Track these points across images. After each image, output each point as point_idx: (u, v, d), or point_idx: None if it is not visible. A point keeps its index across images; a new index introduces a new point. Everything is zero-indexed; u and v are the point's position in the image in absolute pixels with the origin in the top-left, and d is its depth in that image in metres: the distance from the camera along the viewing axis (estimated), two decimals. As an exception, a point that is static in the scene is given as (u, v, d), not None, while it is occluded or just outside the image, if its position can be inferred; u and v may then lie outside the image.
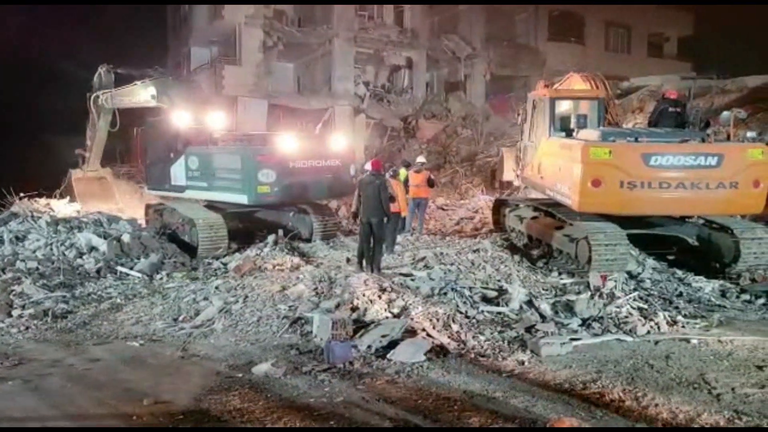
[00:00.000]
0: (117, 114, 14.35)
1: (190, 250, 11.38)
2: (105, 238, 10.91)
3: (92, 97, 14.37)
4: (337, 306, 7.36)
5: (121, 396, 5.20)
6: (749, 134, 9.38)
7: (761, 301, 8.02)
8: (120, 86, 13.95)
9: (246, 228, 13.00)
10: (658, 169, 8.59)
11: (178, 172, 12.64)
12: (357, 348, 6.18)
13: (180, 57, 28.62)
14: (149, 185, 13.86)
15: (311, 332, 6.75)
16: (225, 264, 10.44)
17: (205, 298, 8.28)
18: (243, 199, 11.52)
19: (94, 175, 16.01)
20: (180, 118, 12.44)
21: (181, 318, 7.71)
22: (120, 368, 5.96)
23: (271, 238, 11.80)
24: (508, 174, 12.96)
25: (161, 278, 9.80)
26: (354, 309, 7.16)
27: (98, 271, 9.88)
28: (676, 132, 9.64)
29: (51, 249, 10.49)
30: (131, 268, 10.07)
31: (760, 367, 5.58)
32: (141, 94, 13.23)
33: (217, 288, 8.76)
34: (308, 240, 12.18)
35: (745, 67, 17.23)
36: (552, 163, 9.98)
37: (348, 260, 10.04)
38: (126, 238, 10.97)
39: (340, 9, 24.23)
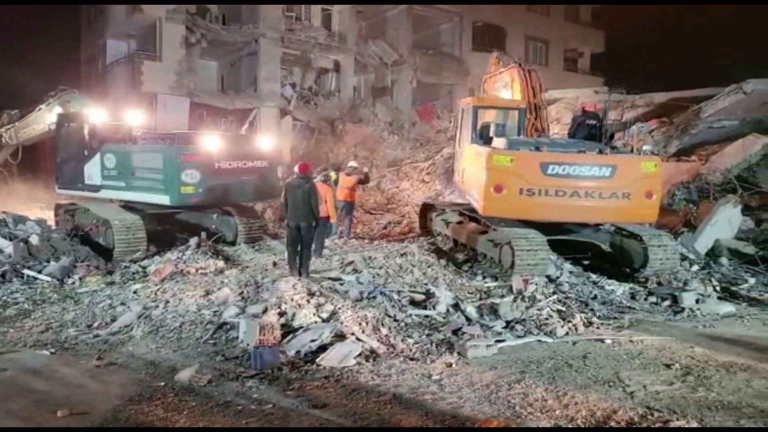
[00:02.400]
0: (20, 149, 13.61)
1: (105, 252, 10.86)
2: (11, 240, 10.21)
3: None
4: (265, 310, 7.21)
5: (32, 408, 4.86)
6: (645, 147, 10.01)
7: (666, 303, 8.54)
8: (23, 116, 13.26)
9: (166, 230, 12.54)
10: (554, 178, 9.03)
11: (92, 171, 12.01)
12: (285, 353, 6.09)
13: (95, 49, 27.20)
14: (60, 184, 13.09)
15: (237, 338, 6.58)
16: (144, 268, 10.04)
17: (123, 304, 7.93)
18: (165, 199, 11.10)
19: None
20: (95, 114, 11.84)
21: (96, 324, 7.32)
22: (29, 379, 5.56)
23: (193, 240, 11.45)
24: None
25: (73, 282, 9.30)
26: (282, 314, 7.04)
27: (3, 275, 9.23)
28: (576, 143, 10.12)
29: (-52, 251, 9.71)
30: (39, 272, 9.48)
31: (668, 366, 5.95)
32: (47, 116, 12.62)
33: (135, 293, 8.42)
34: (233, 243, 11.89)
35: (651, 84, 18.43)
36: (470, 169, 10.32)
37: (275, 264, 9.88)
38: (34, 239, 10.33)
39: (267, 9, 23.89)
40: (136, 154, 11.61)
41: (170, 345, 6.55)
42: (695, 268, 10.23)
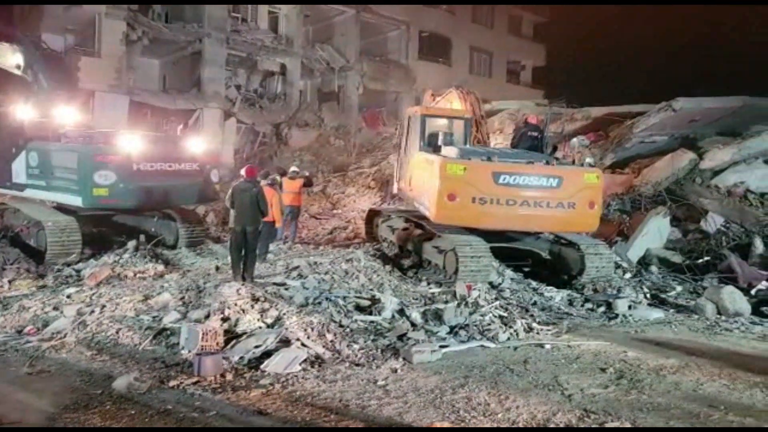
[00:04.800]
0: None
1: (36, 255, 10.36)
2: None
3: None
4: (207, 316, 7.08)
5: (-45, 419, 4.60)
6: (588, 159, 10.41)
7: (601, 309, 8.88)
8: None
9: (102, 232, 12.08)
10: (505, 187, 9.28)
11: (18, 169, 11.40)
12: (228, 359, 5.98)
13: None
14: None
15: (178, 344, 6.43)
16: (78, 271, 9.66)
17: (56, 308, 7.61)
18: (77, 201, 10.53)
19: None
20: (23, 110, 11.25)
21: (26, 330, 6.99)
22: (-47, 388, 5.27)
23: (131, 244, 11.13)
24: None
25: (1, 286, 8.84)
26: (225, 319, 6.92)
27: (-77, 278, 8.69)
28: (524, 154, 10.43)
29: None
30: (-35, 275, 8.97)
31: (603, 369, 6.20)
32: (8, 57, 11.75)
33: (69, 297, 8.10)
34: (173, 247, 11.59)
35: (588, 99, 19.15)
36: (419, 176, 10.43)
37: (218, 268, 9.70)
38: (-42, 240, 9.76)
39: (212, 8, 23.44)
40: (56, 153, 10.99)
41: (106, 351, 6.32)
42: (628, 275, 10.69)
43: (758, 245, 11.12)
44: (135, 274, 9.39)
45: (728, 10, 36.66)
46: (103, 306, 7.55)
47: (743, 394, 5.56)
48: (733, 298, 8.80)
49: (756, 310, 8.77)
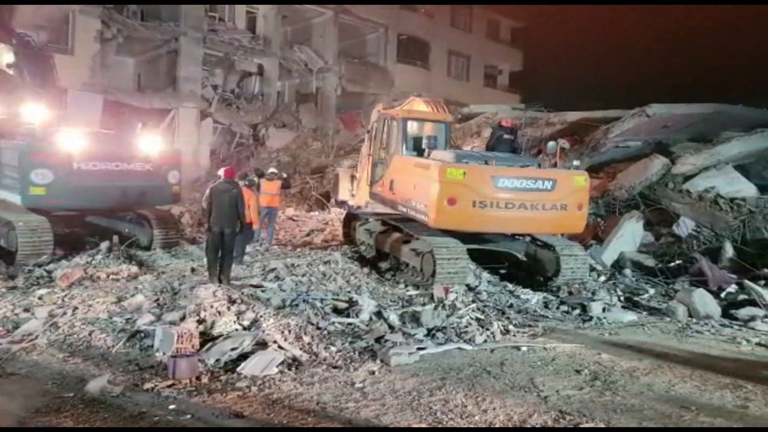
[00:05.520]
0: None
1: (6, 255, 10.13)
2: None
3: None
4: (182, 318, 7.00)
5: None
6: (575, 162, 10.54)
7: (576, 311, 8.98)
8: None
9: (75, 233, 11.86)
10: (504, 191, 9.33)
11: None
12: (204, 362, 5.92)
13: (-2, 38, 25.44)
14: None
15: (152, 346, 6.34)
16: (50, 272, 9.45)
17: (26, 310, 7.45)
18: (18, 199, 10.28)
19: None
20: None
21: (-5, 332, 6.82)
22: None
23: (104, 244, 10.95)
24: (344, 194, 13.20)
25: (-30, 287, 8.61)
26: (201, 321, 6.85)
27: None
28: (518, 158, 10.54)
29: None
30: (-70, 276, 8.73)
31: (578, 371, 6.28)
32: (2, 56, 11.48)
33: (40, 298, 7.94)
34: (147, 248, 11.41)
35: (564, 103, 19.40)
36: (405, 180, 10.31)
37: (193, 270, 9.61)
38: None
39: (189, 7, 23.23)
40: (3, 150, 10.74)
41: (79, 354, 6.20)
42: (602, 278, 10.84)
43: (728, 249, 11.37)
44: (108, 276, 9.24)
45: (703, 18, 37.55)
46: (76, 308, 7.42)
47: (714, 395, 5.68)
48: (704, 301, 8.98)
49: (725, 313, 8.94)
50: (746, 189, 13.12)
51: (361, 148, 13.43)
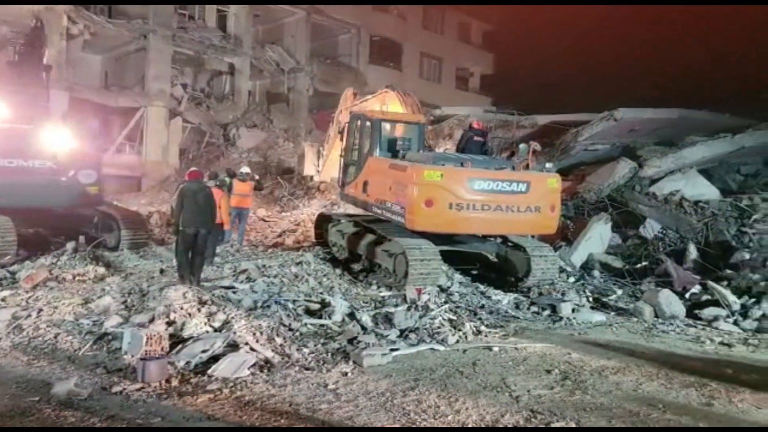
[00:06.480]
0: None
1: (-34, 256, 9.81)
2: None
3: None
4: (151, 320, 6.87)
5: None
6: (548, 165, 10.66)
7: (547, 312, 9.11)
8: None
9: (40, 233, 11.57)
10: (480, 193, 9.38)
11: None
12: (174, 364, 5.82)
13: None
14: None
15: (120, 349, 6.21)
16: (13, 273, 9.21)
17: (-12, 312, 7.21)
18: None
19: None
20: None
21: (-44, 335, 6.60)
22: None
23: (70, 245, 10.71)
24: (309, 169, 13.11)
25: (-71, 289, 8.32)
26: (170, 323, 6.74)
27: None
28: (493, 160, 10.61)
29: None
30: None
31: (548, 371, 6.36)
32: None
33: (3, 300, 7.72)
34: (115, 249, 11.19)
35: (534, 106, 19.65)
36: (380, 182, 10.29)
37: (162, 271, 9.45)
38: None
39: (158, 5, 22.88)
40: None
41: (44, 357, 6.04)
42: (572, 279, 11.01)
43: (692, 251, 11.66)
44: (74, 277, 9.03)
45: (669, 26, 38.48)
46: (40, 310, 7.23)
47: (679, 394, 5.81)
48: (669, 301, 9.20)
49: (690, 313, 9.18)
50: (709, 192, 13.48)
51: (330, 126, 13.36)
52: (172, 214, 9.35)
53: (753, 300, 9.42)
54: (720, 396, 5.76)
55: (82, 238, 11.19)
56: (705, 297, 9.78)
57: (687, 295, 9.95)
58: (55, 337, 6.51)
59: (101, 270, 9.44)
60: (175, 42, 23.37)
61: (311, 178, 12.97)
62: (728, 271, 10.81)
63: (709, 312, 9.06)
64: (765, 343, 7.87)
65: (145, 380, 5.42)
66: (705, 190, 13.52)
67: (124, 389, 5.26)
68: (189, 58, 24.79)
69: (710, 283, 10.06)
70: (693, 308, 9.35)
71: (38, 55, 13.20)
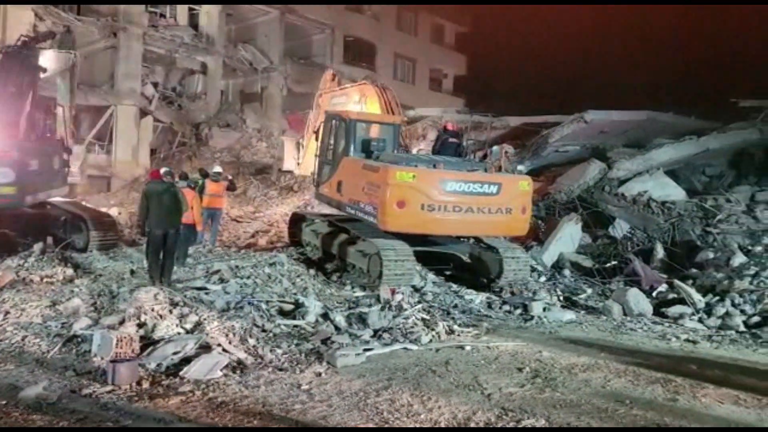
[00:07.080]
0: None
1: (-72, 258, 9.54)
2: None
3: None
4: (122, 322, 6.78)
5: None
6: (519, 167, 10.81)
7: (518, 311, 9.23)
8: None
9: (6, 235, 11.31)
10: (452, 194, 9.46)
11: None
12: (145, 367, 5.76)
13: None
14: None
15: (90, 351, 6.12)
16: (-23, 276, 8.96)
17: (-48, 315, 7.04)
18: None
19: None
20: None
21: None
22: None
23: (37, 246, 10.48)
24: (289, 163, 13.07)
25: None
26: (141, 325, 6.66)
27: None
28: (465, 162, 10.70)
29: None
30: None
31: (520, 369, 6.45)
32: None
33: (-33, 303, 7.51)
34: (83, 250, 11.00)
35: (505, 108, 19.88)
36: (354, 182, 10.28)
37: (132, 272, 9.32)
38: None
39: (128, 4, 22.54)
40: None
41: (11, 360, 5.92)
42: (543, 279, 11.17)
43: (659, 250, 11.92)
44: (42, 279, 8.85)
45: (641, 29, 39.26)
46: (7, 312, 7.08)
47: (646, 390, 5.95)
48: (637, 299, 9.40)
49: (657, 311, 9.40)
50: (676, 193, 13.79)
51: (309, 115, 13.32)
52: (138, 216, 9.22)
53: (717, 298, 9.67)
54: (684, 392, 5.91)
55: (50, 239, 10.98)
56: (671, 295, 10.00)
57: (654, 294, 10.16)
58: (23, 340, 6.38)
59: (70, 272, 9.27)
60: (145, 40, 23.05)
61: (290, 173, 12.86)
62: (693, 270, 11.07)
63: (675, 310, 9.29)
64: (728, 340, 8.10)
65: (115, 383, 5.35)
66: (672, 191, 13.83)
67: (94, 392, 5.19)
68: (160, 57, 24.48)
69: (676, 281, 10.29)
70: (660, 306, 9.57)
71: None
